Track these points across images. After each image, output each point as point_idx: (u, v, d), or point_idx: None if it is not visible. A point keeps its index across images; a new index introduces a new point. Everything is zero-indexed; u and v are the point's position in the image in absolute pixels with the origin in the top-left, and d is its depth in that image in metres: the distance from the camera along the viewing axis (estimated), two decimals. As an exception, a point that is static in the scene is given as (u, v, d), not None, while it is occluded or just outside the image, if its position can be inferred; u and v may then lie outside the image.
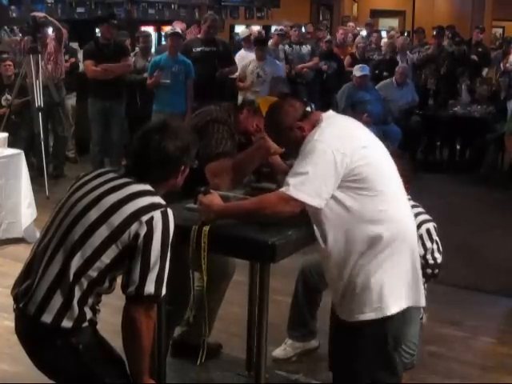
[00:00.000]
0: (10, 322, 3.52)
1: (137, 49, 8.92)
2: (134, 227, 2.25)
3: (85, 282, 2.27)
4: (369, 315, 2.67)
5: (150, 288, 2.26)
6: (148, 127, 2.48)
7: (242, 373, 3.61)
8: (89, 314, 2.32)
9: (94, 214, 2.30)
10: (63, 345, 2.30)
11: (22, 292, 2.35)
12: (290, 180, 2.58)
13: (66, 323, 2.26)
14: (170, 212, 2.32)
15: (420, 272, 2.81)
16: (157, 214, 2.28)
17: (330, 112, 2.84)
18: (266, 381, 2.87)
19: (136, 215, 2.26)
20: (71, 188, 2.46)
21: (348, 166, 2.57)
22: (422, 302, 2.84)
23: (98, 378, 2.37)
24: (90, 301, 2.32)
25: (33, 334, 2.35)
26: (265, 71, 8.25)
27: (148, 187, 2.36)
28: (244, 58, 8.79)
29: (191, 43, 8.03)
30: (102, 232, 2.27)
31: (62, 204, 2.42)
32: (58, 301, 2.26)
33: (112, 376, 2.40)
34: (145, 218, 2.26)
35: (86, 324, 2.31)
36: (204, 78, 7.54)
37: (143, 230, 2.25)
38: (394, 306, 2.68)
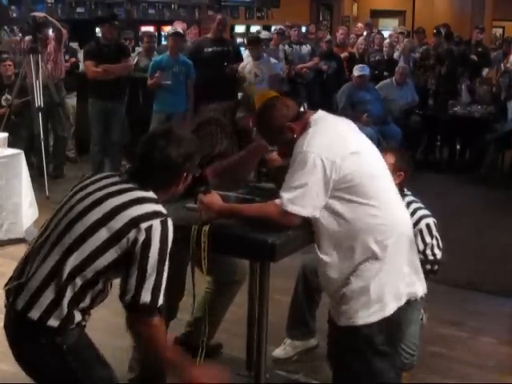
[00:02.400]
0: (10, 322, 3.51)
1: (137, 49, 8.91)
2: (132, 233, 2.24)
3: (78, 283, 2.25)
4: (368, 318, 2.69)
5: (145, 297, 2.23)
6: (154, 132, 2.52)
7: (242, 373, 3.61)
8: (77, 317, 2.29)
9: (94, 216, 2.29)
10: (47, 343, 2.27)
11: (14, 287, 2.33)
12: (284, 194, 2.64)
13: (53, 322, 2.24)
14: (169, 222, 2.31)
15: (418, 264, 2.83)
16: (156, 223, 2.26)
17: (319, 113, 2.81)
18: (265, 381, 2.87)
19: (135, 221, 2.25)
20: (73, 189, 2.46)
21: (338, 173, 2.61)
22: (420, 291, 2.87)
23: (80, 382, 2.32)
24: (82, 305, 2.29)
25: (18, 329, 2.32)
26: (261, 70, 8.25)
27: (151, 194, 2.36)
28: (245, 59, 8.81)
29: (202, 44, 8.13)
30: (102, 235, 2.26)
31: (62, 203, 2.42)
32: (47, 298, 2.24)
33: (95, 381, 2.35)
34: (144, 225, 2.25)
35: (72, 326, 2.28)
36: (216, 77, 7.59)
37: (142, 237, 2.24)
38: (391, 306, 2.70)
